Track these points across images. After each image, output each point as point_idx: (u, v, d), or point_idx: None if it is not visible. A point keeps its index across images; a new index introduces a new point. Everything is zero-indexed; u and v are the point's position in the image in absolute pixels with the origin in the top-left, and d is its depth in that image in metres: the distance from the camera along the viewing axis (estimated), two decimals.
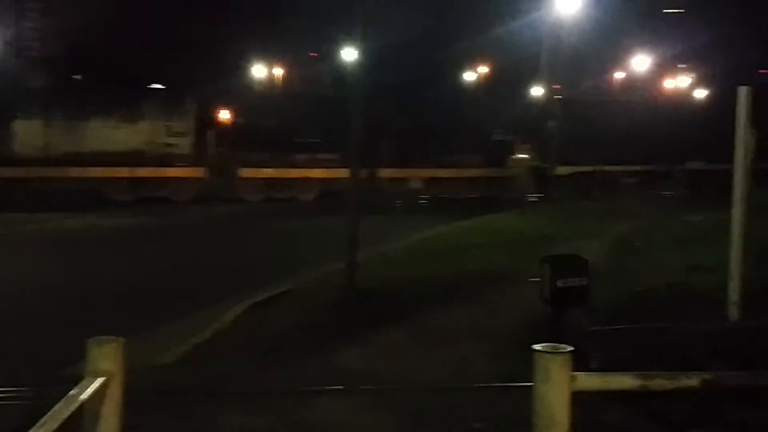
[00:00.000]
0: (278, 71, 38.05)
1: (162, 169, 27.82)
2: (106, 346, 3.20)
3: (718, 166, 34.62)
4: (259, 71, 37.19)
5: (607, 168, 33.41)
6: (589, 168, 33.23)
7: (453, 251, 15.12)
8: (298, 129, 29.90)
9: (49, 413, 2.82)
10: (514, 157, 34.05)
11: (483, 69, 43.61)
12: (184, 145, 28.53)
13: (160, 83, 32.04)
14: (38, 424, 2.80)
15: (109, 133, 27.65)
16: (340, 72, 35.95)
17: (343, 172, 31.04)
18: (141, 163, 27.67)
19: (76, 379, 6.38)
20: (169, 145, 28.38)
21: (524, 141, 35.08)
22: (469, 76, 43.25)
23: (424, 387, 7.20)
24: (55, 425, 2.68)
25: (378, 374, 7.59)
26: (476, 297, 10.86)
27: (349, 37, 29.46)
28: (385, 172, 30.67)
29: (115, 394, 3.24)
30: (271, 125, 29.62)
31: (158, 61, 31.70)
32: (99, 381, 3.10)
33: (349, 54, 33.55)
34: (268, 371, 7.78)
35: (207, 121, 29.59)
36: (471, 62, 42.93)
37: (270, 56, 38.01)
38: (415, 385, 7.24)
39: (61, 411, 2.81)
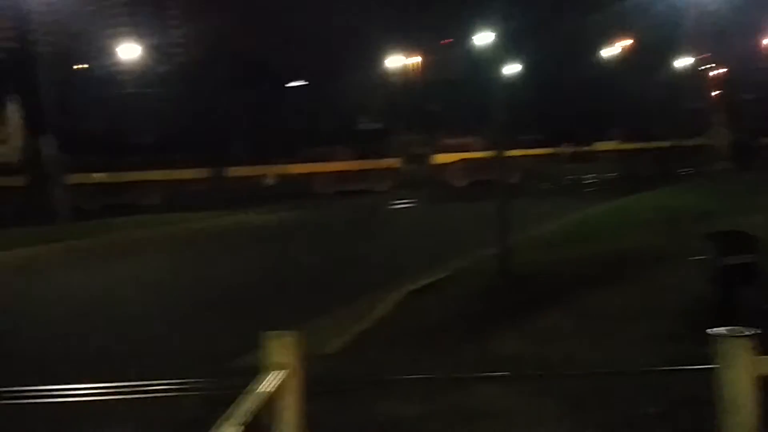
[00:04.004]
0: (414, 60, 38.05)
1: None
2: (284, 340, 3.30)
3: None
4: (394, 62, 37.31)
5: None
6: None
7: (602, 232, 14.76)
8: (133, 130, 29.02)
9: (234, 405, 2.92)
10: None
11: (625, 43, 42.14)
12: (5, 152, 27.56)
13: (302, 80, 32.72)
14: (225, 415, 2.90)
15: None
16: None
17: (189, 173, 31.67)
18: None
19: (246, 371, 6.65)
20: None
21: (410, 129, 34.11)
22: (608, 52, 41.90)
23: (586, 371, 7.04)
24: (243, 418, 2.78)
25: (537, 360, 7.49)
26: (634, 278, 10.54)
27: (482, 22, 29.18)
28: (240, 170, 30.33)
29: (294, 385, 3.34)
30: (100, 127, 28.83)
31: (298, 59, 32.25)
32: (280, 374, 3.20)
33: (482, 39, 33.23)
34: (426, 358, 7.82)
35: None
36: (611, 36, 41.62)
37: (406, 46, 38.10)
38: (576, 370, 7.09)
39: (247, 403, 2.91)
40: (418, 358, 7.84)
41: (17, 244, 18.00)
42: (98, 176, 30.36)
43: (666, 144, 35.40)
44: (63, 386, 7.10)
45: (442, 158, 32.71)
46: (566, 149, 34.87)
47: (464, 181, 32.54)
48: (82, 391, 7.01)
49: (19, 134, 31.11)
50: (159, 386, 7.04)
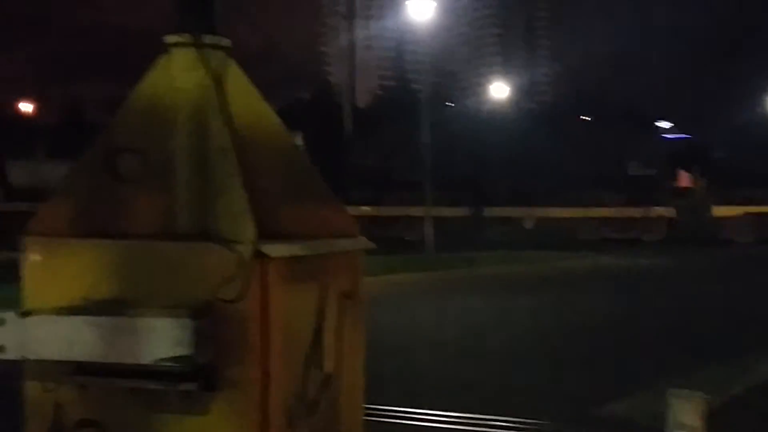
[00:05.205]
0: None
1: None
2: (692, 401, 3.09)
3: None
4: None
5: None
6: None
7: None
8: None
9: None
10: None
11: None
12: None
13: (668, 121, 31.76)
14: None
15: None
16: None
17: (449, 211, 30.90)
18: None
19: (610, 420, 6.38)
20: None
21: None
22: None
23: None
24: None
25: None
26: None
27: None
28: (499, 211, 29.29)
29: None
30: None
31: (668, 98, 31.34)
32: None
33: None
34: None
35: None
36: None
37: None
38: None
39: None
40: None
41: (388, 270, 19.29)
42: (365, 209, 32.80)
43: None
44: (425, 410, 7.31)
45: (723, 211, 30.08)
46: None
47: (749, 237, 29.53)
48: (444, 417, 7.17)
49: None
50: (517, 424, 7.00)
